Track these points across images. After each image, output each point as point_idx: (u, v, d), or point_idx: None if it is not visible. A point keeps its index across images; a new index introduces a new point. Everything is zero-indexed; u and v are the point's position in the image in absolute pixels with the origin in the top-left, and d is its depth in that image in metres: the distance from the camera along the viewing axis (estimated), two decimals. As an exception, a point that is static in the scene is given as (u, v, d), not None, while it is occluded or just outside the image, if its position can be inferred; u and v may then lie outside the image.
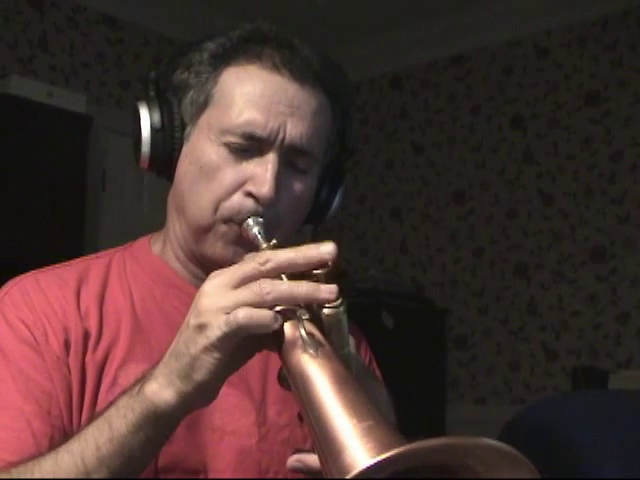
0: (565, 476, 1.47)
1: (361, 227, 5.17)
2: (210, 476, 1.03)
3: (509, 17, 4.65)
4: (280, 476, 1.06)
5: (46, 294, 1.04)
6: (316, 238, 1.15)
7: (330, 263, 0.83)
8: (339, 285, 0.82)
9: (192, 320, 0.82)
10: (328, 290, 0.81)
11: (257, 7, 4.46)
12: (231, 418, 1.05)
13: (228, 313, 0.80)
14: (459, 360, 4.73)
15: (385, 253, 5.09)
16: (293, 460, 0.93)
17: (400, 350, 4.32)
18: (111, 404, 0.88)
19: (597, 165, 4.39)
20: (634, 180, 4.28)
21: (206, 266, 1.06)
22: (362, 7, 4.68)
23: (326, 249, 0.83)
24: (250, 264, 0.83)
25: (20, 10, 4.26)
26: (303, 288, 0.80)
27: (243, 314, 0.79)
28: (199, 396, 0.84)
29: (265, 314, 0.79)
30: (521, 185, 4.63)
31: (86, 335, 1.02)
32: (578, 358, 4.29)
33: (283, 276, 0.83)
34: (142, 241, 1.16)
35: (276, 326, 0.80)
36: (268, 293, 0.80)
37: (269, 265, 0.82)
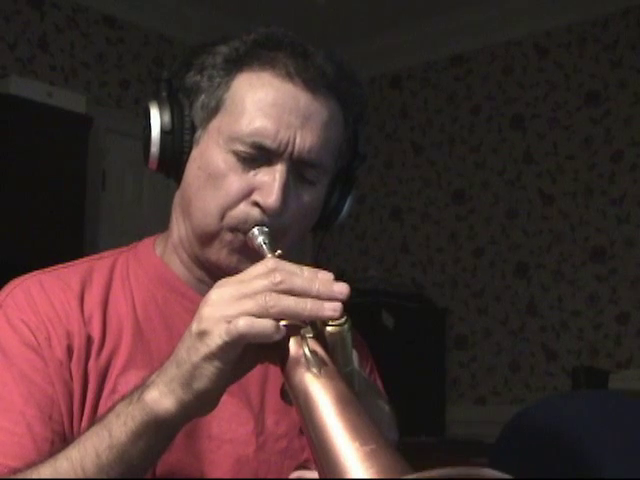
0: (565, 476, 1.47)
1: (361, 227, 5.17)
2: None
3: (509, 17, 4.65)
4: None
5: (50, 297, 1.03)
6: (321, 245, 1.15)
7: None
8: (343, 303, 0.81)
9: (194, 327, 0.82)
10: (332, 307, 0.80)
11: (257, 7, 4.46)
12: (229, 427, 1.05)
13: (230, 322, 0.79)
14: (459, 360, 4.73)
15: (385, 253, 5.09)
16: (295, 476, 0.93)
17: (400, 350, 4.32)
18: (110, 411, 0.87)
19: (597, 165, 4.38)
20: (634, 180, 4.28)
21: (210, 270, 1.06)
22: (362, 7, 4.68)
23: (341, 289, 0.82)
24: (263, 282, 0.81)
25: (20, 10, 4.26)
26: (307, 305, 0.80)
27: (244, 323, 0.79)
28: (199, 405, 0.84)
29: (266, 324, 0.79)
30: (521, 185, 4.62)
31: (89, 341, 1.02)
32: (578, 358, 4.29)
33: None
34: (147, 242, 1.15)
35: (277, 337, 0.79)
36: (272, 306, 0.79)
37: (282, 287, 0.81)
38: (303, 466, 0.93)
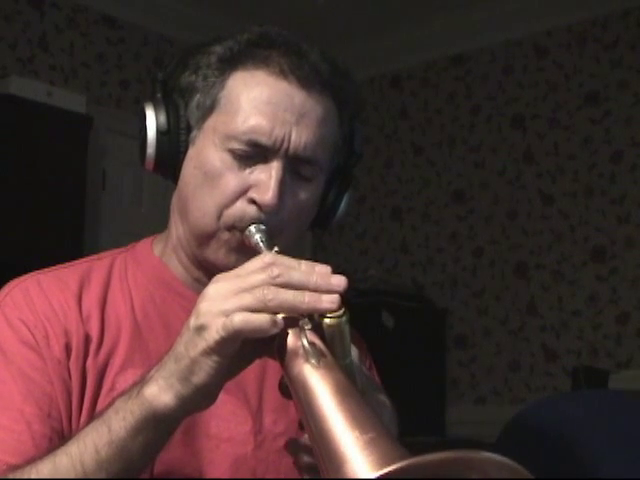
0: (565, 476, 1.47)
1: (361, 227, 5.17)
2: None
3: (509, 17, 4.65)
4: None
5: (48, 296, 1.03)
6: (320, 244, 1.15)
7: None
8: (341, 295, 0.81)
9: (192, 322, 0.82)
10: (330, 300, 0.81)
11: (257, 7, 4.46)
12: (227, 426, 1.05)
13: (228, 316, 0.80)
14: (459, 360, 4.73)
15: (385, 253, 5.09)
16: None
17: (400, 350, 4.32)
18: (110, 406, 0.87)
19: (597, 165, 4.39)
20: (634, 180, 4.28)
21: (208, 270, 1.06)
22: (362, 7, 4.68)
23: (338, 282, 0.82)
24: (261, 276, 0.82)
25: (20, 10, 4.26)
26: (305, 298, 0.80)
27: (240, 318, 0.79)
28: (198, 399, 0.84)
29: (262, 319, 0.79)
30: (521, 185, 4.63)
31: (87, 339, 1.02)
32: (578, 358, 4.29)
33: None
34: (145, 242, 1.15)
35: (274, 330, 0.80)
36: (270, 300, 0.80)
37: (280, 280, 0.81)
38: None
